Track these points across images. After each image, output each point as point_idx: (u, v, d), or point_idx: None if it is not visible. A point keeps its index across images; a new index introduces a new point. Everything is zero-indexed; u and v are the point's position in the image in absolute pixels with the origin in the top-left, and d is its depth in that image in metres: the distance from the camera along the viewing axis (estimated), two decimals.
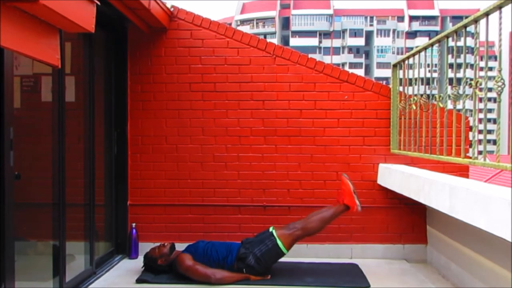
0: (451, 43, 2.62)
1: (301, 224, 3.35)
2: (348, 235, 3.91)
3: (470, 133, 2.56)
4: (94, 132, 3.45)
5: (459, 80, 2.47)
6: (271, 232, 3.34)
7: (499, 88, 1.94)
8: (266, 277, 3.29)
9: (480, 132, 2.50)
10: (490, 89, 2.07)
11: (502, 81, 1.94)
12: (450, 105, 2.82)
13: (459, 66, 2.55)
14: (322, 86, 3.90)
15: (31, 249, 2.95)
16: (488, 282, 2.79)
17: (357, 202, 3.37)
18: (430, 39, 3.04)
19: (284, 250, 3.27)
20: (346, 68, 47.43)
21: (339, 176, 3.88)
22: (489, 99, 2.49)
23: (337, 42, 53.97)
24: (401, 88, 3.72)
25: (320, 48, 53.47)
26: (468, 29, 2.49)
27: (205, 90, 3.92)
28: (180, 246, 3.50)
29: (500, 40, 2.05)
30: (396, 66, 3.85)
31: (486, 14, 2.14)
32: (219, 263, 3.28)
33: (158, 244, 3.48)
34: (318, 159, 3.90)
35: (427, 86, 3.08)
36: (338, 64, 38.31)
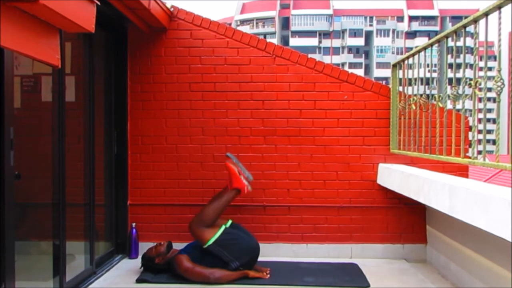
0: (450, 43, 2.62)
1: (197, 218, 3.33)
2: (348, 235, 3.92)
3: (470, 133, 2.57)
4: (94, 132, 3.45)
5: (458, 80, 2.47)
6: (203, 248, 3.28)
7: (499, 88, 1.94)
8: (265, 276, 3.29)
9: (479, 132, 2.50)
10: (489, 89, 2.08)
11: (501, 81, 1.95)
12: (449, 105, 2.82)
13: (458, 66, 2.55)
14: (322, 86, 3.90)
15: (31, 249, 2.96)
16: (488, 282, 2.79)
17: (245, 182, 3.41)
18: (429, 39, 3.04)
19: (217, 234, 3.26)
20: (346, 68, 47.45)
21: (339, 176, 3.90)
22: (489, 99, 2.49)
23: (336, 42, 53.98)
24: (400, 88, 3.72)
25: (319, 48, 53.48)
26: (467, 29, 2.49)
27: (205, 90, 3.92)
28: (179, 246, 3.51)
29: (499, 40, 2.05)
30: (395, 66, 3.86)
31: (486, 14, 2.14)
32: (217, 263, 3.28)
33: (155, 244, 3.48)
34: (318, 159, 3.90)
35: (426, 86, 3.08)
36: (337, 64, 38.33)
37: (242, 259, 3.26)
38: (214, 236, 3.28)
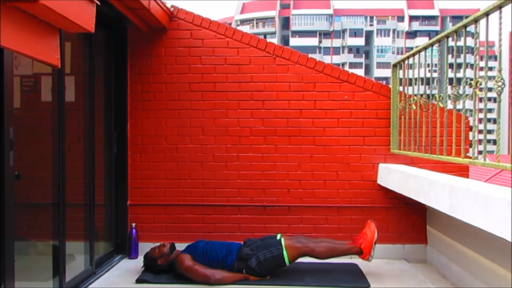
0: (451, 43, 2.62)
1: (311, 244, 3.30)
2: (348, 235, 3.91)
3: (470, 133, 2.56)
4: (94, 132, 3.45)
5: (459, 80, 2.47)
6: (279, 240, 3.31)
7: (499, 88, 1.94)
8: (266, 277, 3.29)
9: (480, 132, 2.50)
10: (490, 89, 2.08)
11: (502, 81, 1.94)
12: (450, 105, 2.82)
13: (459, 66, 2.55)
14: (322, 86, 3.90)
15: (31, 249, 2.95)
16: (488, 282, 2.79)
17: (372, 253, 3.29)
18: (430, 39, 3.04)
19: (287, 262, 3.26)
20: (346, 68, 47.44)
21: (339, 176, 3.89)
22: (489, 99, 2.49)
23: (337, 42, 53.98)
24: (401, 88, 3.72)
25: (320, 48, 53.49)
26: (468, 29, 2.49)
27: (205, 90, 3.92)
28: (180, 246, 3.51)
29: (500, 40, 2.05)
30: (396, 66, 3.85)
31: (486, 14, 2.14)
32: (219, 263, 3.28)
33: (158, 244, 3.48)
34: (318, 159, 3.90)
35: (427, 86, 3.08)
36: (338, 64, 38.31)
37: (257, 269, 3.22)
38: (289, 260, 3.25)
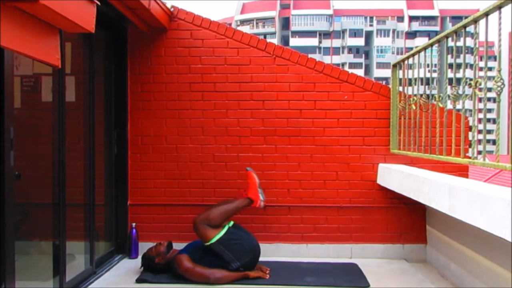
0: (450, 43, 2.62)
1: (203, 214, 3.31)
2: (348, 235, 3.92)
3: (470, 133, 2.57)
4: (94, 132, 3.45)
5: (458, 80, 2.47)
6: (205, 246, 3.28)
7: (499, 88, 1.94)
8: (265, 275, 3.30)
9: (479, 132, 2.50)
10: (489, 89, 2.08)
11: (501, 81, 1.95)
12: (449, 105, 2.82)
13: (458, 66, 2.55)
14: (322, 86, 3.90)
15: (31, 249, 2.96)
16: (488, 282, 2.79)
17: (261, 197, 3.41)
18: (429, 39, 3.04)
19: (221, 233, 3.25)
20: (346, 68, 47.45)
21: (339, 176, 3.90)
22: (489, 99, 2.49)
23: (337, 42, 53.98)
24: (400, 88, 3.72)
25: (320, 48, 53.48)
26: (467, 29, 2.49)
27: (205, 90, 3.92)
28: (180, 246, 3.51)
29: (499, 40, 2.05)
30: (395, 66, 3.86)
31: (486, 14, 2.14)
32: (217, 262, 3.28)
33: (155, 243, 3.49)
34: (318, 159, 3.90)
35: (426, 86, 3.08)
36: (338, 64, 38.33)
37: (243, 260, 3.26)
38: (217, 234, 3.28)
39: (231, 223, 3.44)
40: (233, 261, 3.25)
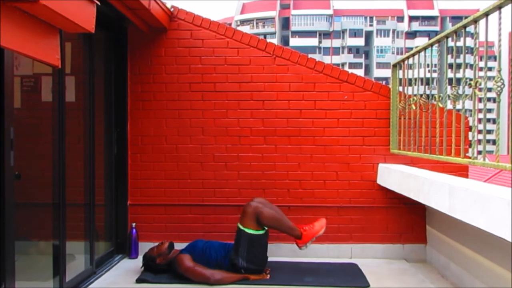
0: (450, 43, 2.62)
1: (260, 205, 3.29)
2: (348, 235, 3.92)
3: (470, 133, 2.57)
4: (94, 132, 3.45)
5: (458, 80, 2.47)
6: (238, 227, 3.31)
7: (499, 88, 1.94)
8: (265, 276, 3.30)
9: (479, 132, 2.50)
10: (489, 89, 2.08)
11: (501, 81, 1.95)
12: (449, 105, 2.82)
13: (458, 66, 2.55)
14: (322, 86, 3.90)
15: (31, 249, 2.96)
16: (488, 282, 2.79)
17: (308, 244, 3.36)
18: (429, 39, 3.04)
19: (258, 232, 3.26)
20: (346, 68, 47.45)
21: (339, 176, 3.90)
22: (489, 99, 2.50)
23: (336, 42, 53.99)
24: (400, 88, 3.72)
25: (320, 48, 53.50)
26: (467, 29, 2.49)
27: (205, 90, 3.92)
28: (180, 246, 3.51)
29: (499, 40, 2.05)
30: (395, 66, 3.86)
31: (486, 14, 2.14)
32: (217, 263, 3.28)
33: (157, 243, 3.48)
34: (318, 159, 3.90)
35: (426, 86, 3.08)
36: (338, 64, 38.34)
37: (251, 265, 3.25)
38: (254, 230, 3.25)
39: (266, 229, 3.37)
40: (242, 260, 3.23)
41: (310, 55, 4.05)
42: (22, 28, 1.51)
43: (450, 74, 2.66)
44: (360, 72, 26.38)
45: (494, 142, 2.09)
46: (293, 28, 53.50)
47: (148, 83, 3.94)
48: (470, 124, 2.45)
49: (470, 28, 2.40)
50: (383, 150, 3.88)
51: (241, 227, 3.28)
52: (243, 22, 54.18)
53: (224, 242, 3.46)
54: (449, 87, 2.66)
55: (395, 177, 3.46)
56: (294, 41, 51.54)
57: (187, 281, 3.21)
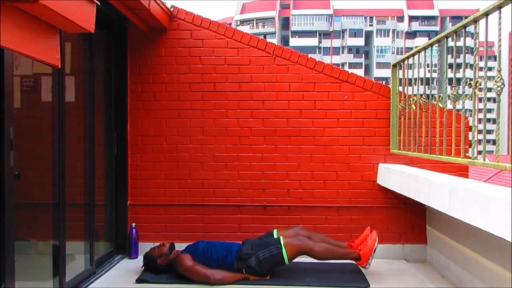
0: (450, 43, 2.62)
1: (310, 243, 3.28)
2: (348, 235, 3.91)
3: (470, 133, 2.57)
4: (94, 132, 3.45)
5: (458, 80, 2.47)
6: (278, 239, 3.31)
7: (499, 88, 1.94)
8: (266, 277, 3.29)
9: (479, 132, 2.50)
10: (489, 89, 2.08)
11: (501, 81, 1.95)
12: (449, 105, 2.82)
13: (458, 66, 2.55)
14: (322, 86, 3.90)
15: (31, 249, 2.95)
16: (488, 282, 2.79)
17: (370, 261, 3.29)
18: (429, 39, 3.04)
19: (286, 261, 3.25)
20: (346, 68, 47.44)
21: (339, 176, 3.90)
22: (489, 99, 2.50)
23: (336, 42, 53.99)
24: (400, 88, 3.72)
25: (319, 48, 53.49)
26: (467, 29, 2.49)
27: (205, 90, 3.92)
28: (180, 246, 3.51)
29: (499, 40, 2.05)
30: (395, 66, 3.86)
31: (486, 14, 2.14)
32: (219, 263, 3.28)
33: (158, 244, 3.48)
34: (318, 159, 3.90)
35: (426, 86, 3.08)
36: (337, 64, 38.32)
37: (257, 268, 3.22)
38: (290, 258, 3.24)
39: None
40: (255, 260, 3.20)
41: (310, 55, 4.05)
42: (22, 28, 1.51)
43: (450, 74, 2.66)
44: (360, 72, 26.36)
45: (494, 142, 2.09)
46: (293, 28, 53.49)
47: (148, 83, 3.94)
48: (470, 124, 2.45)
49: (470, 28, 2.40)
50: (383, 150, 3.88)
51: (281, 242, 3.25)
52: (243, 22, 54.17)
53: (225, 242, 3.45)
54: (449, 87, 2.66)
55: (395, 177, 3.46)
56: (294, 41, 51.53)
57: (187, 281, 3.21)
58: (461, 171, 3.72)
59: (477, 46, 2.21)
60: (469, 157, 2.49)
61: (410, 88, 3.49)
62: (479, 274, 2.90)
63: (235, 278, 3.23)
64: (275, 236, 3.39)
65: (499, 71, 1.96)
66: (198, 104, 3.92)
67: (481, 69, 2.33)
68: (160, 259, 3.35)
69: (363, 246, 3.33)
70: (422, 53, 3.11)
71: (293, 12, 53.47)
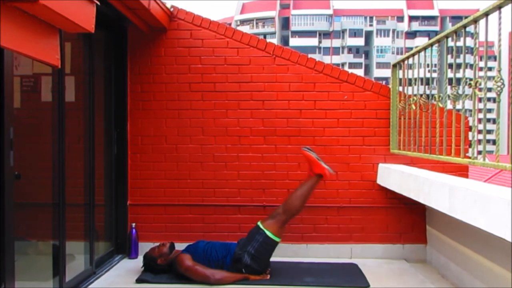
0: (450, 43, 2.62)
1: (282, 208, 3.37)
2: (348, 235, 3.92)
3: (470, 133, 2.57)
4: (94, 132, 3.45)
5: (458, 80, 2.47)
6: (258, 225, 3.35)
7: (499, 88, 1.94)
8: (266, 277, 3.29)
9: (479, 132, 2.50)
10: (489, 89, 2.08)
11: (501, 81, 1.95)
12: (449, 105, 2.82)
13: (458, 66, 2.55)
14: (322, 86, 3.90)
15: (31, 249, 2.95)
16: (488, 282, 2.79)
17: (326, 166, 3.41)
18: (429, 39, 3.04)
19: (275, 238, 3.29)
20: (346, 68, 47.45)
21: (339, 176, 3.90)
22: (489, 99, 2.50)
23: (336, 42, 53.99)
24: (400, 88, 3.72)
25: (319, 48, 53.48)
26: (467, 29, 2.49)
27: (205, 90, 3.92)
28: (180, 246, 3.51)
29: (499, 40, 2.05)
30: (395, 66, 3.86)
31: (486, 14, 2.14)
32: (219, 263, 3.28)
33: (158, 244, 3.48)
34: None
35: (426, 86, 3.08)
36: (337, 64, 38.32)
37: (255, 264, 3.24)
38: (277, 237, 3.30)
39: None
40: (248, 256, 3.22)
41: (310, 55, 4.05)
42: (22, 28, 1.51)
43: (450, 74, 2.66)
44: (360, 72, 26.36)
45: (494, 142, 2.09)
46: (293, 28, 53.49)
47: (148, 83, 3.94)
48: (470, 124, 2.45)
49: (470, 28, 2.40)
50: (383, 150, 3.88)
51: (261, 227, 3.31)
52: (243, 22, 54.17)
53: (225, 242, 3.45)
54: (449, 87, 2.66)
55: (395, 177, 3.46)
56: (294, 41, 51.53)
57: (187, 281, 3.21)
58: (461, 171, 3.72)
59: (477, 46, 2.21)
60: (469, 157, 2.49)
61: (410, 88, 3.49)
62: (479, 274, 2.91)
63: (235, 278, 3.23)
64: (257, 224, 3.41)
65: (499, 71, 1.96)
66: (198, 104, 3.92)
67: (481, 69, 2.33)
68: (160, 259, 3.35)
69: (311, 167, 3.44)
70: (422, 53, 3.11)
71: (293, 12, 53.47)
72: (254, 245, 3.25)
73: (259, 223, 3.37)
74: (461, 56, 2.46)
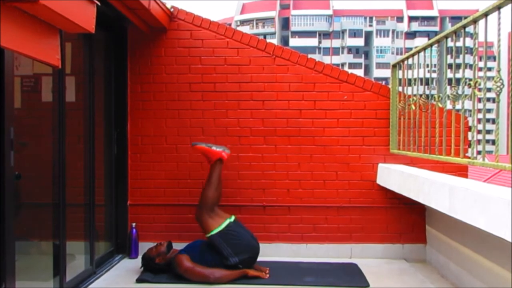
0: (450, 43, 2.63)
1: (199, 208, 3.43)
2: (348, 235, 3.92)
3: (469, 133, 2.57)
4: (94, 132, 3.45)
5: (458, 80, 2.48)
6: (207, 237, 3.37)
7: (498, 88, 1.94)
8: (265, 276, 3.30)
9: (479, 132, 2.50)
10: (489, 89, 2.08)
11: (501, 81, 1.95)
12: (449, 105, 2.83)
13: (458, 66, 2.55)
14: (322, 86, 3.91)
15: (32, 249, 2.96)
16: (488, 282, 2.80)
17: (219, 149, 3.53)
18: (429, 39, 3.05)
19: (221, 226, 3.33)
20: (346, 68, 47.44)
21: (339, 176, 3.90)
22: (488, 99, 2.50)
23: (336, 43, 54.00)
24: (400, 88, 3.72)
25: (319, 48, 53.49)
26: (467, 29, 2.50)
27: (205, 90, 3.92)
28: (180, 246, 3.51)
29: (499, 40, 2.06)
30: (395, 66, 3.86)
31: (485, 14, 2.14)
32: (216, 262, 3.29)
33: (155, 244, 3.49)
34: (318, 159, 3.90)
35: (426, 86, 3.09)
36: (337, 64, 38.37)
37: (242, 256, 3.28)
38: (218, 227, 3.33)
39: (232, 218, 3.47)
40: (231, 256, 3.26)
41: (310, 55, 4.05)
42: (22, 28, 1.51)
43: (450, 74, 2.66)
44: (359, 72, 26.31)
45: (493, 142, 2.09)
46: (293, 28, 53.50)
47: (148, 83, 3.94)
48: (470, 124, 2.46)
49: (470, 29, 2.41)
50: (383, 150, 3.89)
51: (208, 235, 3.35)
52: (243, 22, 54.17)
53: None
54: (448, 87, 2.67)
55: (395, 177, 3.46)
56: (294, 41, 51.53)
57: (187, 281, 3.21)
58: (461, 171, 3.73)
59: (476, 46, 2.21)
60: (469, 157, 2.49)
61: (409, 88, 3.49)
62: (479, 274, 2.91)
63: (234, 275, 3.24)
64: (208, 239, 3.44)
65: (499, 71, 1.97)
66: (198, 104, 3.92)
67: (480, 69, 2.34)
68: (158, 258, 3.35)
69: (208, 157, 3.54)
70: (421, 53, 3.11)
71: (293, 12, 53.47)
72: (223, 246, 3.28)
73: (206, 236, 3.39)
74: (461, 56, 2.46)
